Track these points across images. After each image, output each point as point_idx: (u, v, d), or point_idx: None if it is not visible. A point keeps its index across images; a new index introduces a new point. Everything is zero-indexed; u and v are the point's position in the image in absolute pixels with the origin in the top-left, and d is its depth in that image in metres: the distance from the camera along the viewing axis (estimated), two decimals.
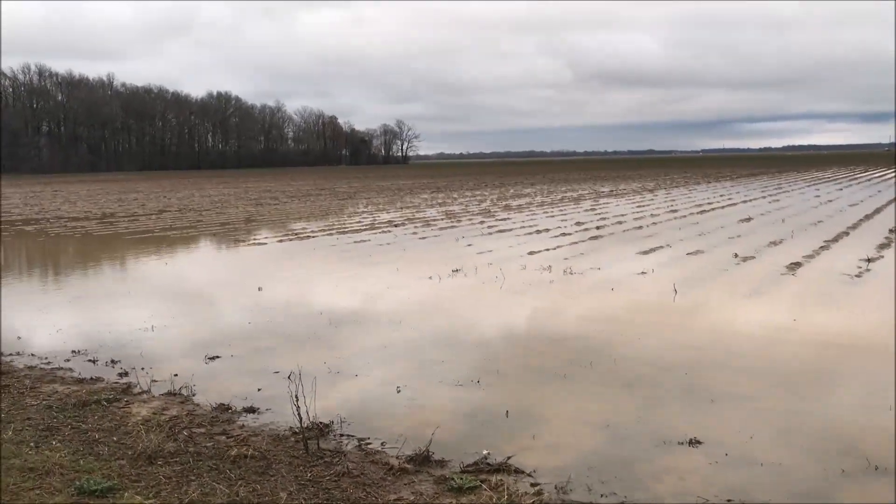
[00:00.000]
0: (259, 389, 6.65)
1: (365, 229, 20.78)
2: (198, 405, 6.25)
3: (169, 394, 6.56)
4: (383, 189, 47.21)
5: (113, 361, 7.64)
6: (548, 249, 15.45)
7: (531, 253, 14.97)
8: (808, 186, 39.59)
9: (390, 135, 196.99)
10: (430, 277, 12.39)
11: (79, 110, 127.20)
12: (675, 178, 54.54)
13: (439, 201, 32.72)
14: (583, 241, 16.75)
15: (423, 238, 18.23)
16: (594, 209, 26.13)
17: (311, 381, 6.16)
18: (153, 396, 6.52)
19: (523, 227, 20.41)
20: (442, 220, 23.34)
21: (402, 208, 29.01)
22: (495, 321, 9.42)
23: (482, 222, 22.15)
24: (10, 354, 8.01)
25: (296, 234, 19.89)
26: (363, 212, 27.63)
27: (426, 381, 6.91)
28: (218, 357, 7.79)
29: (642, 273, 12.25)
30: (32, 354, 8.03)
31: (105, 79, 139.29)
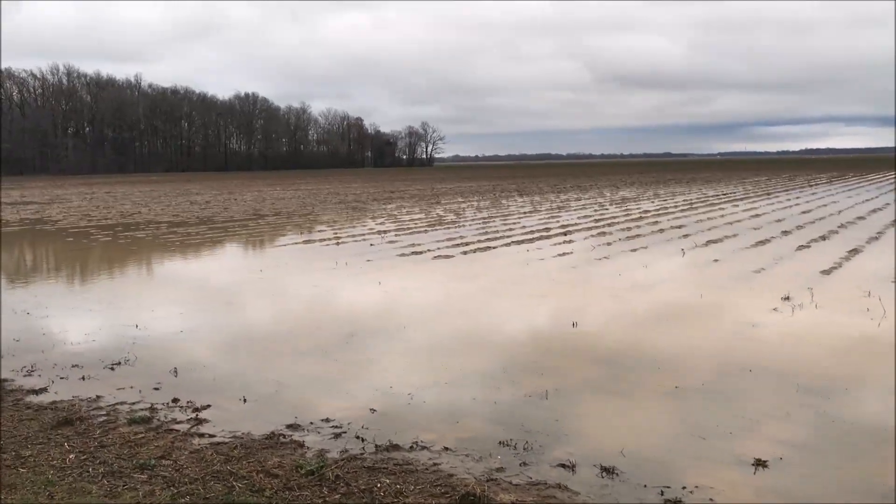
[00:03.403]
0: None
1: (538, 237, 20.13)
2: None
3: None
4: (464, 191, 46.63)
5: None
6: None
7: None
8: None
9: (415, 136, 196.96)
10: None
11: (106, 111, 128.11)
12: (753, 181, 53.45)
13: (561, 204, 32.07)
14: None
15: (636, 249, 17.52)
16: (754, 209, 25.33)
17: None
18: None
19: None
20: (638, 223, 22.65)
21: (551, 211, 28.34)
22: None
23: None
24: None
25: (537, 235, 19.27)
26: (516, 214, 27.02)
27: None
28: None
29: None
30: None
31: (133, 80, 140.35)
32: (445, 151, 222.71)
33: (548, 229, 21.27)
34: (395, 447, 5.46)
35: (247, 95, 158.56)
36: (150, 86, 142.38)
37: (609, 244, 17.51)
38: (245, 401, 6.61)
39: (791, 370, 7.14)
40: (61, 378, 7.44)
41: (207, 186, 61.38)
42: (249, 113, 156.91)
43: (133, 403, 6.61)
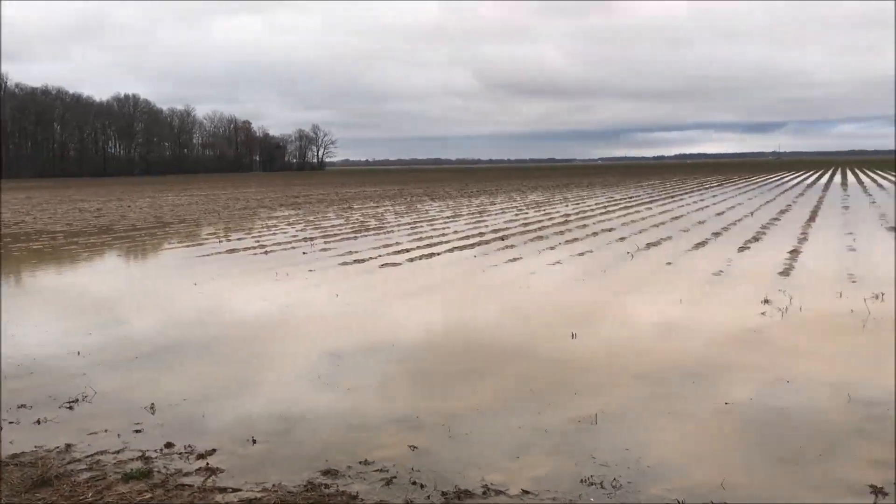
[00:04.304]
0: None
1: (477, 243, 19.11)
2: None
3: None
4: (372, 195, 45.19)
5: None
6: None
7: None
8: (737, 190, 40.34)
9: (306, 140, 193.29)
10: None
11: None
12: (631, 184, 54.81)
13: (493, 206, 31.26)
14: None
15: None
16: (668, 211, 25.28)
17: None
18: None
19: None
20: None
21: (473, 215, 27.36)
22: None
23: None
24: None
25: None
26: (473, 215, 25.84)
27: None
28: None
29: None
30: None
31: None
32: (336, 156, 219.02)
33: (482, 234, 20.78)
34: (467, 494, 4.69)
35: (126, 97, 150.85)
36: (17, 85, 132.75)
37: (552, 248, 17.19)
38: (254, 442, 5.64)
39: (807, 374, 6.86)
40: (10, 423, 6.18)
41: (91, 193, 57.42)
42: (129, 115, 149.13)
43: (117, 452, 5.50)
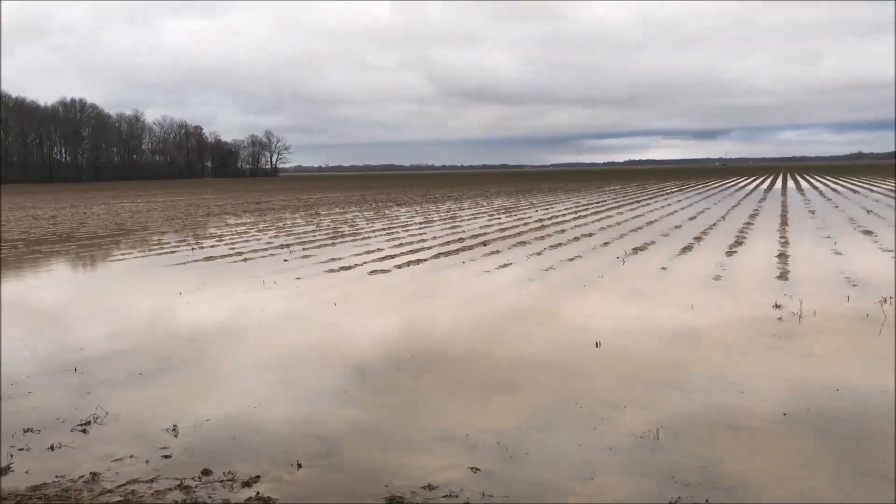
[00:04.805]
0: None
1: (460, 248, 18.58)
2: None
3: None
4: (336, 201, 44.35)
5: None
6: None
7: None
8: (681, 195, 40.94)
9: (259, 146, 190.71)
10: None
11: None
12: (573, 189, 55.14)
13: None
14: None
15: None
16: (640, 216, 25.17)
17: None
18: None
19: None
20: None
21: (446, 220, 26.81)
22: None
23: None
24: None
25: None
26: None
27: None
28: None
29: None
30: None
31: None
32: (289, 162, 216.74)
33: (461, 239, 20.48)
34: None
35: (73, 101, 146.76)
36: None
37: (539, 253, 16.98)
38: (299, 466, 5.22)
39: (850, 380, 6.71)
40: (21, 449, 5.63)
41: (40, 200, 55.47)
42: (76, 120, 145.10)
43: (151, 481, 5.02)
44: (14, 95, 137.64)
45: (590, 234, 21.20)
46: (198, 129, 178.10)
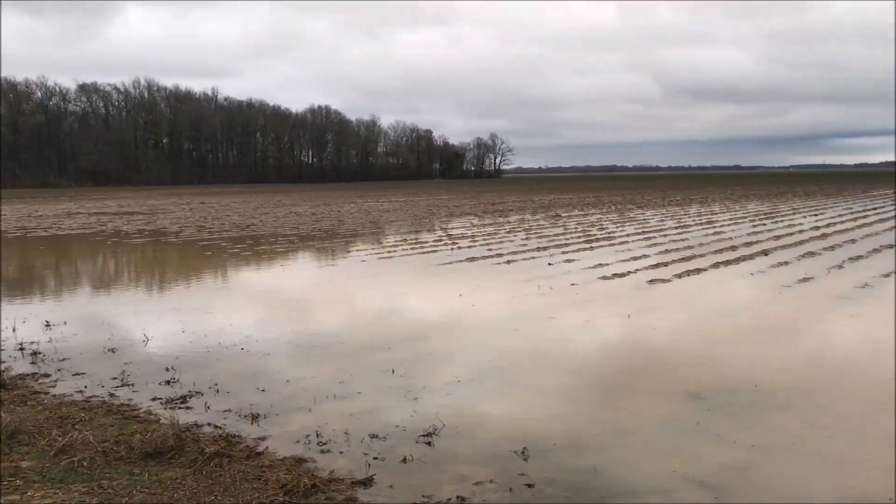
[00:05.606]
0: None
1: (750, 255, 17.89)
2: None
3: None
4: (571, 202, 44.42)
5: None
6: None
7: None
8: None
9: (483, 148, 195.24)
10: None
11: (184, 124, 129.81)
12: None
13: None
14: None
15: None
16: None
17: None
18: None
19: None
20: None
21: (705, 225, 26.11)
22: None
23: None
24: None
25: None
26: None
27: None
28: None
29: None
30: None
31: (210, 93, 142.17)
32: (510, 163, 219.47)
33: (733, 247, 18.73)
34: None
35: (319, 108, 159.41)
36: (226, 99, 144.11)
37: (840, 266, 14.90)
38: None
39: None
40: (376, 458, 5.41)
41: (296, 198, 60.29)
42: (322, 126, 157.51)
43: None
44: (271, 104, 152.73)
45: (890, 246, 18.49)
46: (427, 132, 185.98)
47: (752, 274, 14.23)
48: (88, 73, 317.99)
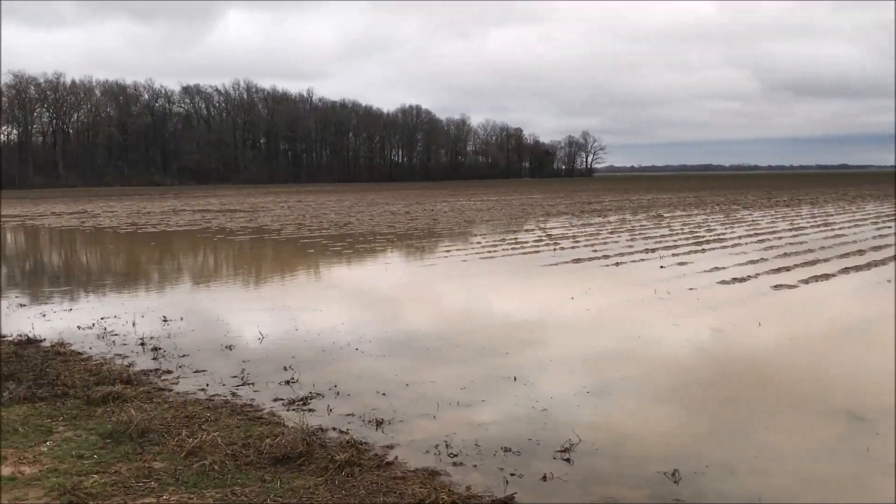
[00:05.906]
0: None
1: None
2: None
3: None
4: (672, 203, 43.33)
5: None
6: None
7: None
8: None
9: (575, 147, 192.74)
10: None
11: (280, 124, 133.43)
12: None
13: None
14: None
15: None
16: None
17: None
18: None
19: None
20: None
21: (825, 227, 25.08)
22: None
23: None
24: None
25: None
26: None
27: None
28: None
29: None
30: None
31: (305, 94, 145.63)
32: (602, 162, 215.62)
33: (860, 252, 17.49)
34: None
35: (410, 107, 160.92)
36: (320, 100, 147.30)
37: None
38: None
39: None
40: (513, 475, 5.06)
41: (389, 197, 60.81)
42: (412, 125, 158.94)
43: None
44: (363, 104, 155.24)
45: None
46: (518, 131, 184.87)
47: (889, 281, 13.15)
48: (192, 75, 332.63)
